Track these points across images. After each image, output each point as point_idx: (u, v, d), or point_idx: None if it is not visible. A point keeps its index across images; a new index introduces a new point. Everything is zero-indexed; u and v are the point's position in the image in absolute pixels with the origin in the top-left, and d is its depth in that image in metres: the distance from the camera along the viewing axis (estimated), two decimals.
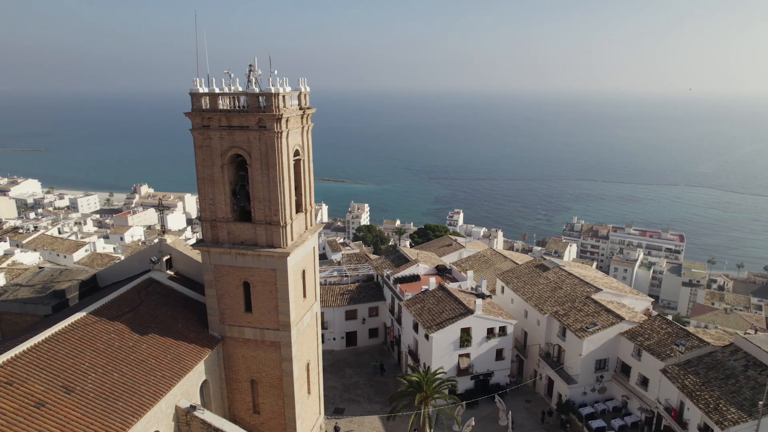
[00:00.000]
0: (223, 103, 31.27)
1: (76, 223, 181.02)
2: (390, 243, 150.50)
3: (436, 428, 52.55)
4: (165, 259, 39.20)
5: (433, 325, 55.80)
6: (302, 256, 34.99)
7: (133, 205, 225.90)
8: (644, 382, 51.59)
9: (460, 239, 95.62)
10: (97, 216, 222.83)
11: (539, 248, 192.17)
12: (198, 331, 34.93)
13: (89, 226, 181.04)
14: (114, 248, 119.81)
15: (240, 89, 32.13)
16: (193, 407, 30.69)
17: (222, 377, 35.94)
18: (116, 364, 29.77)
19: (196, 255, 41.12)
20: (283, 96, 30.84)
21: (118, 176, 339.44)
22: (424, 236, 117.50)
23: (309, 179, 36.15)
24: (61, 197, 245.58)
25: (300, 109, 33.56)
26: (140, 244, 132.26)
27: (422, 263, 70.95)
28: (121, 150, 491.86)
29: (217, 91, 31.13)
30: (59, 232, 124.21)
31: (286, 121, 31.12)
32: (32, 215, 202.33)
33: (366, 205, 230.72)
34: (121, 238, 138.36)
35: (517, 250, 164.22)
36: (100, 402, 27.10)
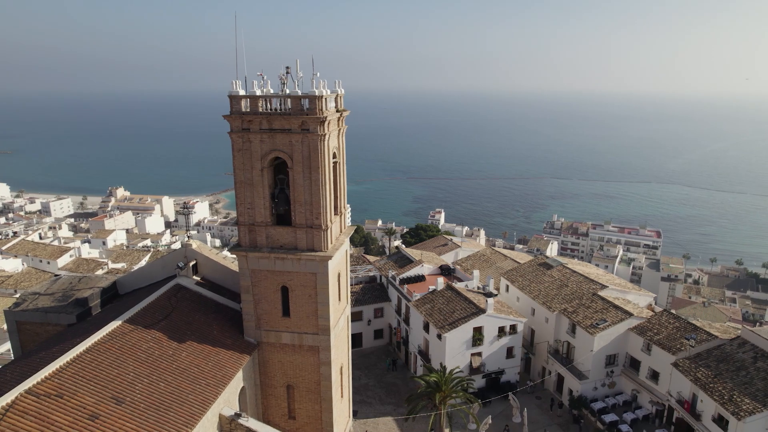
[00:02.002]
0: (263, 106, 30.82)
1: (50, 228, 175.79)
2: (379, 243, 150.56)
3: (451, 427, 52.84)
4: (191, 264, 38.44)
5: (446, 325, 56.11)
6: (339, 259, 34.82)
7: (109, 209, 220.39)
8: (654, 375, 52.92)
9: (455, 239, 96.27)
10: (72, 220, 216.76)
11: (521, 246, 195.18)
12: (234, 337, 34.37)
13: (64, 231, 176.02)
14: (99, 253, 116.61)
15: (271, 91, 31.76)
16: (237, 415, 30.20)
17: (257, 383, 35.44)
18: (160, 373, 29.09)
19: (221, 260, 40.54)
20: (326, 98, 30.62)
21: (91, 179, 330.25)
22: (416, 236, 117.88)
23: (343, 182, 35.96)
24: (32, 201, 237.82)
25: (337, 111, 33.38)
26: (124, 248, 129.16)
27: (426, 263, 71.23)
28: (93, 152, 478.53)
29: (258, 93, 30.67)
30: (40, 238, 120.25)
31: (328, 123, 30.93)
32: (2, 220, 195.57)
33: (347, 205, 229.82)
34: (103, 243, 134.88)
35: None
36: (152, 413, 26.45)
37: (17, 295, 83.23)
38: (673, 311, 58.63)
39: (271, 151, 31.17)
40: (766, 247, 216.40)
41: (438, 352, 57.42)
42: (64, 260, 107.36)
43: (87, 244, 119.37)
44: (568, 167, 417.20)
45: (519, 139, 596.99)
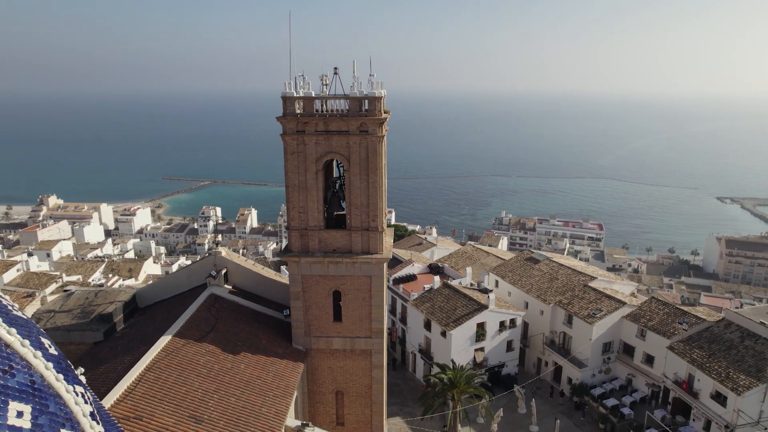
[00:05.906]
0: (318, 107, 30.13)
1: None
2: None
3: (469, 422, 53.57)
4: (223, 272, 36.87)
5: (450, 322, 56.87)
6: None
7: (40, 219, 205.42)
8: (649, 359, 56.06)
9: (429, 238, 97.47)
10: None
11: (472, 242, 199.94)
12: (283, 345, 33.31)
13: None
14: (48, 265, 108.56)
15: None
16: (304, 425, 29.32)
17: (304, 391, 34.57)
18: (227, 387, 27.78)
19: (252, 266, 39.16)
20: (384, 99, 30.38)
21: (15, 188, 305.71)
22: None
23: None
24: None
25: (384, 113, 33.12)
26: (74, 259, 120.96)
27: (415, 263, 71.72)
28: (17, 158, 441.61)
29: (313, 94, 29.95)
30: None
31: (385, 124, 30.71)
32: None
33: None
34: (48, 255, 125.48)
35: None
36: (232, 429, 25.26)
37: None
38: (660, 298, 62.29)
39: (327, 154, 30.54)
40: (693, 236, 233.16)
41: (442, 349, 58.02)
42: (10, 275, 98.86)
43: (34, 257, 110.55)
44: (507, 165, 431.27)
45: (458, 138, 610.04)
